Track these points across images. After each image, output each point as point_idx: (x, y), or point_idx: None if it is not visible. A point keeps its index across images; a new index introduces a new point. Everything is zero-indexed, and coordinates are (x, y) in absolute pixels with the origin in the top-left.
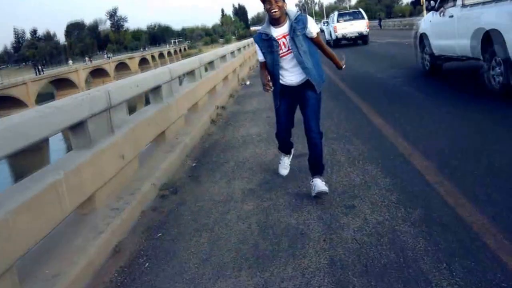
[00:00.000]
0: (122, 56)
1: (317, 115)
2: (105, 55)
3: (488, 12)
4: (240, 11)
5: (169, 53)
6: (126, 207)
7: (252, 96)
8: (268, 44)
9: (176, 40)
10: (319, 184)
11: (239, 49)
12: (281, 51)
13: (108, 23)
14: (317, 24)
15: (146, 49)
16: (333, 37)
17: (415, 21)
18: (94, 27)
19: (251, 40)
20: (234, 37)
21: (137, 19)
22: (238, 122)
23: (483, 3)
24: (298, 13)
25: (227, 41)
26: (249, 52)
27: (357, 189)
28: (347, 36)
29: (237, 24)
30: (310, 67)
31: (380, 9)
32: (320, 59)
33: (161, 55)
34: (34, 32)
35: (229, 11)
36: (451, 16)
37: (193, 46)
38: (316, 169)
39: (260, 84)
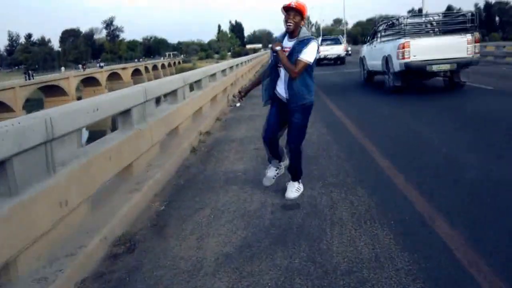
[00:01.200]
0: (115, 66)
1: (298, 133)
2: (98, 64)
3: (387, 45)
4: (237, 28)
5: (163, 65)
6: (59, 276)
7: (241, 120)
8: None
9: (171, 53)
10: (288, 191)
11: (231, 67)
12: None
13: (104, 32)
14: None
15: (141, 60)
16: (317, 57)
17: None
18: (89, 35)
19: (246, 57)
20: (229, 53)
21: (133, 30)
22: (222, 152)
23: (386, 41)
24: (309, 36)
25: (222, 57)
26: (242, 71)
27: (366, 267)
28: (328, 57)
29: (233, 40)
30: (292, 87)
31: None
32: (308, 82)
33: (154, 67)
34: (28, 36)
35: (226, 27)
36: (375, 46)
37: (188, 60)
38: (291, 174)
39: (251, 107)
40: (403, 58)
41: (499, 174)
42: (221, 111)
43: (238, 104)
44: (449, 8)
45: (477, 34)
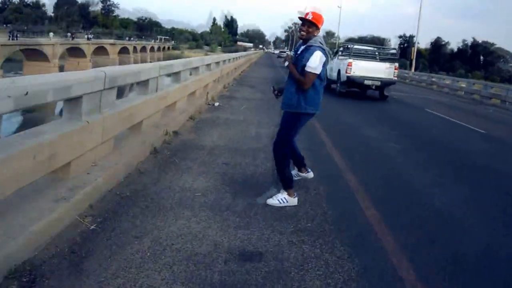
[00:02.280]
0: (104, 41)
1: (279, 135)
2: (86, 35)
3: (340, 62)
4: (231, 24)
5: (152, 48)
6: None
7: (216, 123)
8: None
9: (163, 38)
10: (270, 197)
11: (217, 63)
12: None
13: (100, 6)
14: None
15: (131, 39)
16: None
17: None
18: (85, 6)
19: (235, 54)
20: (219, 47)
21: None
22: (186, 161)
23: (341, 59)
24: (315, 44)
25: (212, 50)
26: (228, 68)
27: None
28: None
29: (225, 35)
30: (288, 89)
31: None
32: (306, 90)
33: (143, 48)
34: None
35: (218, 17)
36: (334, 62)
37: (177, 48)
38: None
39: (230, 110)
40: (347, 73)
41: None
42: (197, 109)
43: (217, 104)
44: (437, 40)
45: (397, 64)
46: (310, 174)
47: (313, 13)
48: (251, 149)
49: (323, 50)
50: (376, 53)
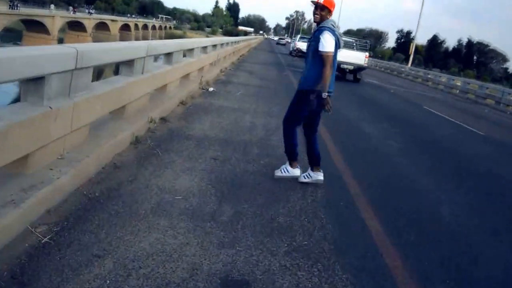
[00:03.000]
0: (105, 16)
1: (291, 108)
2: (87, 10)
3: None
4: (233, 8)
5: (153, 26)
6: None
7: (209, 110)
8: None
9: (164, 17)
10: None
11: (214, 45)
12: None
13: None
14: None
15: (133, 16)
16: (293, 48)
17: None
18: None
19: (234, 38)
20: (220, 30)
21: None
22: (170, 153)
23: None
24: (325, 26)
25: (213, 32)
26: (226, 52)
27: None
28: (301, 50)
29: (227, 19)
30: (304, 71)
31: None
32: (315, 68)
33: (145, 26)
34: None
35: (223, 4)
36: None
37: (179, 28)
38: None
39: (224, 95)
40: (295, 46)
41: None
42: (189, 93)
43: (211, 89)
44: (434, 38)
45: (367, 53)
46: (320, 176)
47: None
48: (244, 142)
49: (332, 31)
50: (354, 44)
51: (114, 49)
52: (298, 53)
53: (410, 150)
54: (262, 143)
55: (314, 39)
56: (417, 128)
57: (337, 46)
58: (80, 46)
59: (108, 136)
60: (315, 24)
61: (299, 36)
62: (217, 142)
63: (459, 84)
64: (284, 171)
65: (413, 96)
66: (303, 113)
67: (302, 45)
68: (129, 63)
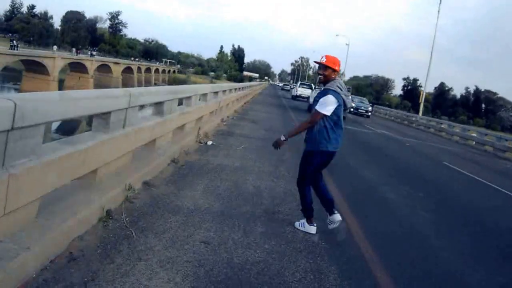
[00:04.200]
0: (108, 59)
1: (300, 169)
2: (89, 52)
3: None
4: (238, 53)
5: (156, 70)
6: None
7: (205, 170)
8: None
9: (168, 61)
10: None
11: (216, 92)
12: None
13: (108, 23)
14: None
15: (137, 60)
16: (294, 94)
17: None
18: (92, 22)
19: (239, 84)
20: (225, 75)
21: (135, 30)
22: (147, 235)
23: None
24: (331, 87)
25: (217, 77)
26: (229, 99)
27: None
28: (301, 95)
29: (231, 64)
30: (310, 132)
31: (370, 92)
32: (322, 130)
33: (147, 69)
34: (31, 7)
35: (228, 49)
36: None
37: (183, 72)
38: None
39: (225, 150)
40: (296, 91)
41: None
42: (184, 148)
43: (210, 143)
44: (441, 86)
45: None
46: (337, 217)
47: (327, 57)
48: (245, 216)
49: (336, 94)
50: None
51: (79, 99)
52: (298, 97)
53: (445, 223)
54: (268, 216)
55: (317, 99)
56: (443, 191)
57: (342, 107)
58: (22, 97)
59: (66, 213)
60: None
61: (299, 83)
62: (211, 216)
63: (475, 135)
64: (301, 226)
65: (429, 150)
66: (315, 171)
67: (302, 90)
68: (104, 116)
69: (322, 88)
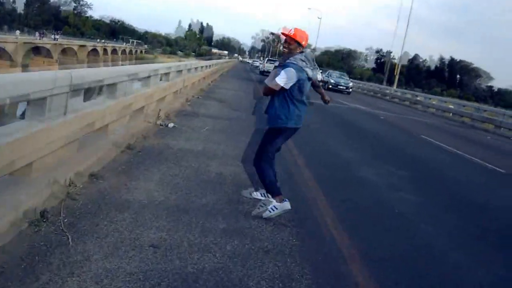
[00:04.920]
0: (72, 42)
1: (259, 146)
2: (53, 36)
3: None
4: (207, 30)
5: (123, 51)
6: None
7: (163, 156)
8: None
9: (135, 41)
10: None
11: (179, 71)
12: None
13: (72, 5)
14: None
15: (103, 41)
16: (262, 69)
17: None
18: (56, 5)
19: (206, 62)
20: (194, 53)
21: (101, 10)
22: (86, 240)
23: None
24: (291, 62)
25: (186, 56)
26: (196, 76)
27: None
28: (268, 70)
29: (200, 42)
30: (271, 109)
31: (342, 66)
32: (283, 106)
33: (114, 51)
34: None
35: (197, 28)
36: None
37: (151, 52)
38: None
39: (188, 132)
40: (263, 67)
41: None
42: (142, 132)
43: (171, 125)
44: (415, 57)
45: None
46: (287, 205)
47: (296, 30)
48: (205, 209)
49: (298, 68)
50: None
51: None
52: (265, 73)
53: (431, 206)
54: (231, 208)
55: (278, 72)
56: (424, 167)
57: (307, 82)
58: None
59: None
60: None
61: (266, 59)
62: (166, 211)
63: (452, 107)
64: (273, 210)
65: (406, 123)
66: (274, 149)
67: (268, 66)
68: (38, 102)
69: (283, 62)
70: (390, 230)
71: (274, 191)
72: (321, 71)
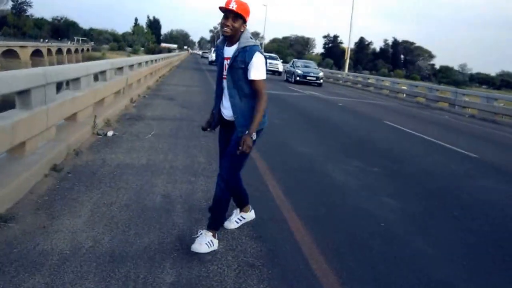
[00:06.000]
0: (12, 43)
1: (232, 159)
2: None
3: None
4: (154, 25)
5: (68, 50)
6: None
7: (97, 176)
8: (219, 58)
9: (80, 39)
10: (196, 242)
11: (120, 68)
12: (224, 72)
13: (10, 4)
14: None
15: (46, 41)
16: (210, 59)
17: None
18: None
19: (153, 56)
20: (142, 49)
21: (41, 9)
22: None
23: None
24: (252, 44)
25: (135, 52)
26: (141, 73)
27: None
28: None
29: (148, 36)
30: (238, 105)
31: (291, 54)
32: (250, 101)
33: (59, 50)
34: None
35: (144, 22)
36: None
37: (98, 49)
38: (209, 218)
39: (130, 144)
40: (211, 57)
41: None
42: (74, 146)
43: (110, 133)
44: (361, 40)
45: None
46: (252, 214)
47: (237, 2)
48: (147, 255)
49: (261, 50)
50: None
51: None
52: (213, 62)
53: (411, 210)
54: (183, 250)
55: (240, 61)
56: (397, 160)
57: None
58: None
59: None
60: (225, 38)
61: (213, 49)
62: (95, 263)
63: (405, 88)
64: (240, 220)
65: (365, 108)
66: (246, 157)
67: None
68: None
69: (235, 47)
70: (387, 260)
71: (245, 201)
72: (281, 60)
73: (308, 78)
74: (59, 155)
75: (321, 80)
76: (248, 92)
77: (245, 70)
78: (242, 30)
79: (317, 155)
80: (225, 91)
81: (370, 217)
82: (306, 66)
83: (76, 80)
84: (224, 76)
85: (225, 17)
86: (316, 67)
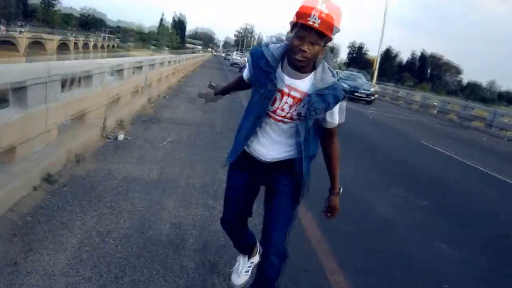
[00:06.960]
0: (39, 34)
1: (287, 223)
2: (18, 28)
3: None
4: (179, 24)
5: (95, 45)
6: None
7: (97, 193)
8: (265, 77)
9: (107, 35)
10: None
11: (139, 67)
12: (275, 107)
13: None
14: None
15: (73, 35)
16: (232, 61)
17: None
18: None
19: (177, 57)
20: (167, 48)
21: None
22: None
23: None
24: (338, 79)
25: (159, 50)
26: (162, 72)
27: None
28: (236, 62)
29: (173, 37)
30: (302, 143)
31: None
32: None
33: (85, 45)
34: None
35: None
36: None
37: (123, 46)
38: None
39: (142, 151)
40: (232, 60)
41: None
42: (76, 151)
43: (121, 137)
44: (388, 51)
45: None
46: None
47: (321, 16)
48: None
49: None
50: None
51: None
52: (234, 64)
53: (485, 269)
54: None
55: (322, 107)
56: (448, 193)
57: None
58: None
59: None
60: (301, 61)
61: (235, 52)
62: None
63: (436, 103)
64: (250, 266)
65: (396, 123)
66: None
67: (236, 58)
68: None
69: (321, 81)
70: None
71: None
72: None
73: (355, 94)
74: (56, 163)
75: (373, 97)
76: (314, 136)
77: (326, 109)
78: (320, 55)
79: (358, 182)
80: (276, 133)
81: (429, 272)
82: (352, 80)
83: (88, 77)
84: (278, 116)
85: (300, 37)
86: (366, 81)
